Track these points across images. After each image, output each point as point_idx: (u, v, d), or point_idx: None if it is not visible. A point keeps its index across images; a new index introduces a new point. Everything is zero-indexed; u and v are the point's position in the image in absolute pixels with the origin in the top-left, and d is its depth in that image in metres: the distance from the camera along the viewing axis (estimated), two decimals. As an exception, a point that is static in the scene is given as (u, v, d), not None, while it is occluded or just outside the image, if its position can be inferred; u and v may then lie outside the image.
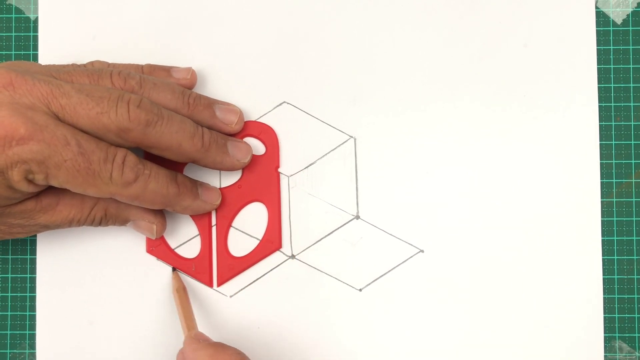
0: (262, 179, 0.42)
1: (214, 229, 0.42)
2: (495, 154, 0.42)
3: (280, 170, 0.42)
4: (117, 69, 0.38)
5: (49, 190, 0.38)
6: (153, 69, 0.41)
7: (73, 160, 0.35)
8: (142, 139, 0.37)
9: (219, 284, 0.42)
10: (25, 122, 0.34)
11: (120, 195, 0.37)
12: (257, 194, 0.42)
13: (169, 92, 0.39)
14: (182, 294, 0.40)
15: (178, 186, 0.39)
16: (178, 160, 0.39)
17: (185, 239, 0.42)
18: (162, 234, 0.41)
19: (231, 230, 0.42)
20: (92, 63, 0.40)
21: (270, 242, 0.42)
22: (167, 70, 0.41)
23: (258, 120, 0.42)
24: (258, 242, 0.42)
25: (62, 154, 0.35)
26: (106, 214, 0.39)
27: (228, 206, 0.42)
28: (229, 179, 0.42)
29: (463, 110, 0.42)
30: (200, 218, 0.42)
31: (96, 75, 0.38)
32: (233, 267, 0.42)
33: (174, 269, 0.40)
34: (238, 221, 0.42)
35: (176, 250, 0.42)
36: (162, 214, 0.41)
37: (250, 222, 0.42)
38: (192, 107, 0.39)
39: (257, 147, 0.42)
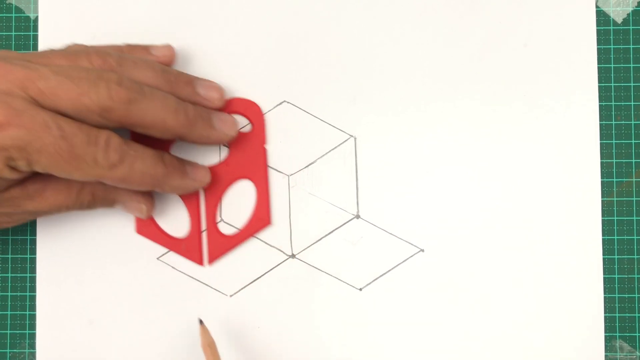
0: (249, 156, 0.42)
1: (203, 208, 0.42)
2: (496, 154, 0.42)
3: (280, 169, 0.42)
4: (95, 49, 0.38)
5: (35, 176, 0.37)
6: (132, 48, 0.40)
7: (55, 145, 0.34)
8: (125, 118, 0.36)
9: (210, 262, 0.42)
10: (3, 108, 0.34)
11: (107, 178, 0.36)
12: (244, 171, 0.42)
13: (149, 69, 0.38)
14: (214, 349, 0.38)
15: (165, 166, 0.38)
16: (164, 137, 0.38)
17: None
18: (151, 213, 0.41)
19: (220, 207, 0.42)
20: (69, 46, 0.39)
21: (260, 219, 0.41)
22: (146, 48, 0.40)
23: (242, 97, 0.42)
24: (247, 219, 0.42)
25: (42, 139, 0.34)
26: (94, 197, 0.39)
27: (216, 184, 0.41)
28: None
29: (463, 110, 0.42)
30: (189, 197, 0.42)
31: (74, 57, 0.37)
32: (223, 245, 0.41)
33: (201, 322, 0.40)
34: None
35: (166, 231, 0.42)
36: (150, 194, 0.41)
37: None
38: (173, 84, 0.39)
39: (243, 124, 0.42)
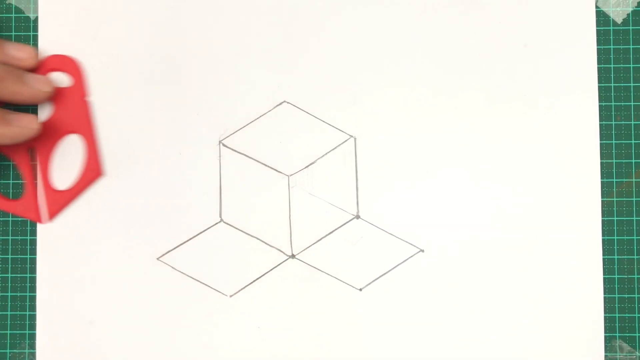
0: (74, 111, 0.42)
1: (35, 166, 0.42)
2: (496, 154, 0.42)
3: (280, 169, 0.42)
4: None
5: None
6: None
7: None
8: None
9: (50, 218, 0.42)
10: None
11: None
12: (71, 126, 0.42)
13: None
14: None
15: None
16: None
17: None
18: None
19: (52, 164, 0.42)
20: None
21: (91, 171, 0.42)
22: None
23: (59, 54, 0.42)
24: (80, 172, 0.42)
25: None
26: None
27: (45, 141, 0.42)
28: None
29: (463, 110, 0.42)
30: (20, 157, 0.42)
31: None
32: (60, 200, 0.42)
33: None
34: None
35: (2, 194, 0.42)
36: None
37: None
38: None
39: (64, 80, 0.42)
